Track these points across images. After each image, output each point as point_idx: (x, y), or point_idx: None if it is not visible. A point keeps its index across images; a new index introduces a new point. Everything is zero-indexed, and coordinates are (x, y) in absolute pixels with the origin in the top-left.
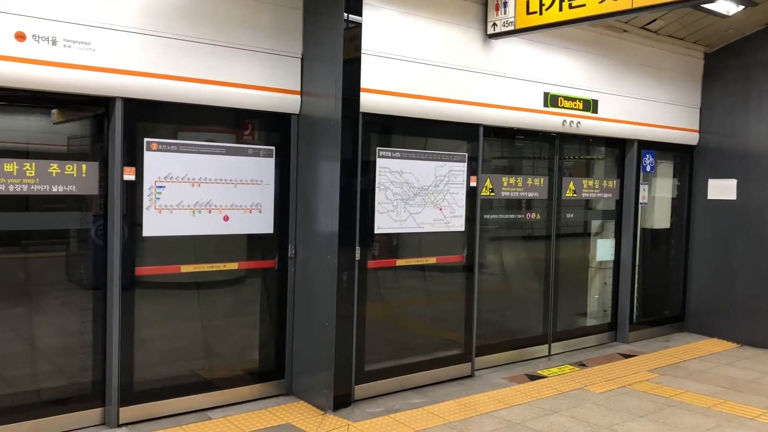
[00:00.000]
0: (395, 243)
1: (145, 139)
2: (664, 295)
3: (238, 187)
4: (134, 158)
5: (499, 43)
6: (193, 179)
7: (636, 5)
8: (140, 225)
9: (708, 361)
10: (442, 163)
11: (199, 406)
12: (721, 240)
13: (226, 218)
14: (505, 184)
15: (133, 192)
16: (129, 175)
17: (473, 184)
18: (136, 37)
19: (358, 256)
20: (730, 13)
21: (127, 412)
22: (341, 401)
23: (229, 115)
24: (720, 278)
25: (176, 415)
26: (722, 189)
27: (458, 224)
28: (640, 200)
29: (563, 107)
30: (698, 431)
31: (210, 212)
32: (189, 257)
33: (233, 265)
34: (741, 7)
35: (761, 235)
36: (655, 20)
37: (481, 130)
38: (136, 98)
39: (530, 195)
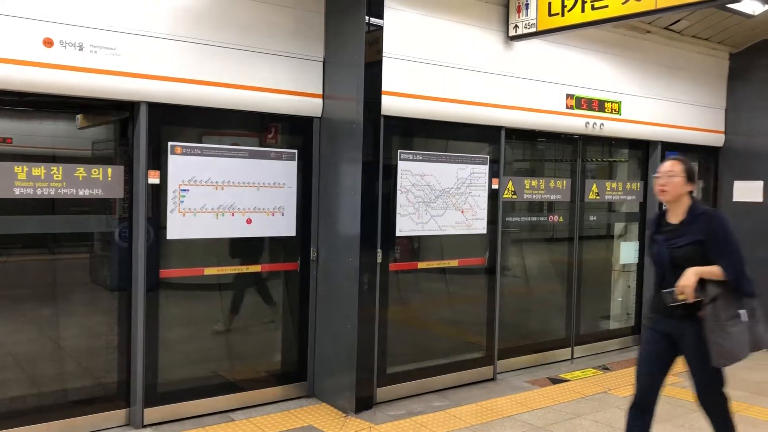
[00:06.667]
0: (417, 245)
1: (170, 143)
2: None
3: (261, 190)
4: (159, 162)
5: (521, 45)
6: (216, 182)
7: (660, 6)
8: (164, 228)
9: (733, 366)
10: (464, 165)
11: (222, 407)
12: (747, 242)
13: (249, 221)
14: (527, 186)
15: (158, 195)
16: (153, 179)
17: (495, 186)
18: (160, 42)
19: (379, 259)
20: (756, 13)
21: (152, 413)
22: (363, 404)
23: (252, 119)
24: None
25: (200, 416)
26: (748, 191)
27: (480, 227)
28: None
29: (586, 109)
30: None
31: (233, 215)
32: (212, 260)
33: (256, 268)
34: (766, 7)
35: None
36: (679, 21)
37: (503, 132)
38: (161, 102)
39: (553, 197)
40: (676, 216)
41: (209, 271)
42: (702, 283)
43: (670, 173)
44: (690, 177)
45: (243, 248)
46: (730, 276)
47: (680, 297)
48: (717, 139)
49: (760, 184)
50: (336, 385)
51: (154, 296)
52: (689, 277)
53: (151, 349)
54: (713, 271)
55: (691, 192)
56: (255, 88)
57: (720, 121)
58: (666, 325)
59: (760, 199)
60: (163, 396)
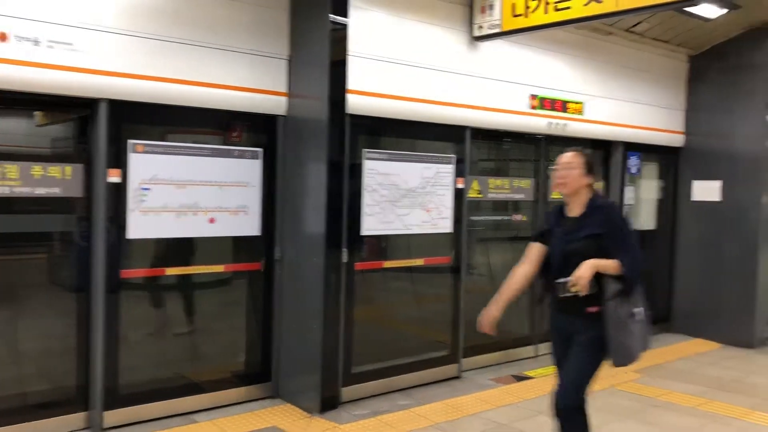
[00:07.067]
0: (383, 245)
1: (130, 141)
2: (650, 296)
3: (224, 189)
4: (119, 160)
5: (485, 45)
6: (178, 181)
7: (620, 8)
8: (125, 227)
9: (693, 362)
10: (429, 164)
11: (184, 409)
12: (706, 241)
13: (212, 220)
14: (491, 185)
15: (118, 194)
16: (114, 177)
17: (460, 185)
18: (120, 38)
19: (345, 258)
20: (713, 17)
21: (112, 416)
22: (328, 403)
23: (215, 117)
24: (705, 279)
25: (161, 418)
26: (707, 190)
27: (445, 226)
28: (626, 201)
29: (549, 109)
30: (684, 431)
31: (196, 214)
32: (174, 259)
33: (219, 268)
34: (724, 11)
35: (745, 236)
36: (640, 23)
37: (468, 132)
38: (121, 100)
39: (517, 197)
40: (575, 209)
41: (171, 271)
42: (596, 277)
43: (568, 165)
44: (589, 169)
45: (206, 248)
46: (627, 272)
47: (573, 289)
48: (677, 140)
49: (718, 183)
50: (301, 385)
51: (114, 297)
52: (586, 269)
53: (111, 351)
54: (610, 265)
55: (590, 185)
56: (218, 86)
57: (680, 122)
58: (559, 320)
59: (718, 199)
60: (123, 398)
